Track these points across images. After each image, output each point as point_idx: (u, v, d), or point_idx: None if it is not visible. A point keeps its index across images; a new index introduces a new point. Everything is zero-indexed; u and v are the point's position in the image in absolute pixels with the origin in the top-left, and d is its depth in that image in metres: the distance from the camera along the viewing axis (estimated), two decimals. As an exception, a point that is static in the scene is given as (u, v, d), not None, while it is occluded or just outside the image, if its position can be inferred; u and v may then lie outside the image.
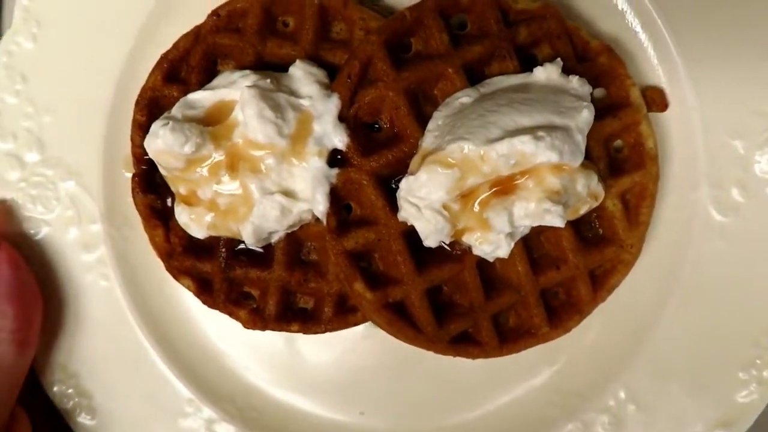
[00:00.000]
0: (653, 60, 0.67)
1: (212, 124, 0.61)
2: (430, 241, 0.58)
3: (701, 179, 0.67)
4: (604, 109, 0.63)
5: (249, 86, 0.59)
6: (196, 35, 0.66)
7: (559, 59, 0.61)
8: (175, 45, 0.67)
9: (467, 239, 0.58)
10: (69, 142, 0.70)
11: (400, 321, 0.61)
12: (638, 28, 0.67)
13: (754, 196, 0.66)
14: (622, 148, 0.66)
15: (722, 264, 0.67)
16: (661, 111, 0.67)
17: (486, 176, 0.55)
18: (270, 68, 0.66)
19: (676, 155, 0.68)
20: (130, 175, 0.70)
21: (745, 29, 0.66)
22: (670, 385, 0.67)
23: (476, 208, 0.56)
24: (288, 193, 0.61)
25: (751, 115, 0.66)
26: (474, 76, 0.62)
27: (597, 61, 0.64)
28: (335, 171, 0.60)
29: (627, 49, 0.67)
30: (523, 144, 0.53)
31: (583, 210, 0.60)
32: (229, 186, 0.61)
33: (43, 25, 0.69)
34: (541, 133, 0.53)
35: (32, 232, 0.71)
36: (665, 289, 0.68)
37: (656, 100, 0.66)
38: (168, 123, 0.58)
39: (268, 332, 0.69)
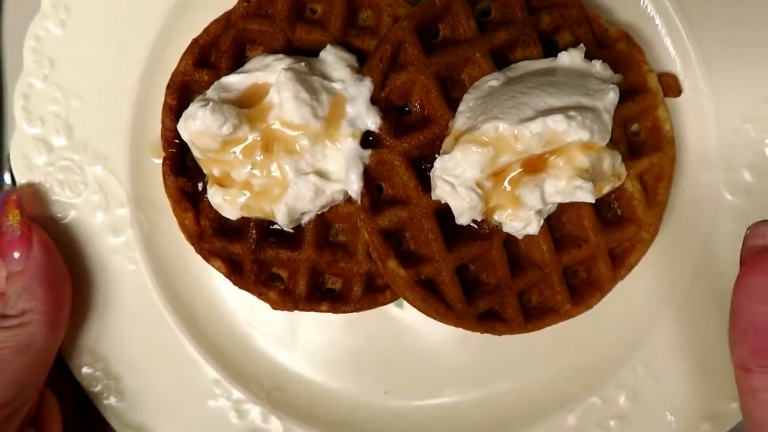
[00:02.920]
0: (668, 47, 0.70)
1: (246, 106, 0.63)
2: (463, 218, 0.60)
3: (714, 162, 0.70)
4: (622, 94, 0.65)
5: (285, 69, 0.60)
6: (226, 21, 0.68)
7: (582, 44, 0.63)
8: (206, 30, 0.68)
9: (498, 216, 0.60)
10: (96, 127, 0.71)
11: (432, 297, 0.63)
12: (654, 16, 0.70)
13: (765, 178, 0.69)
14: (639, 131, 0.69)
15: (734, 243, 0.69)
16: (675, 96, 0.70)
17: (518, 155, 0.57)
18: (297, 54, 0.67)
19: (689, 139, 0.70)
20: (156, 160, 0.71)
21: (755, 18, 0.69)
22: (685, 361, 0.70)
23: (507, 186, 0.59)
24: (322, 174, 0.62)
25: (761, 100, 0.69)
26: (499, 61, 0.64)
27: (615, 48, 0.67)
28: (368, 152, 0.62)
29: (643, 36, 0.70)
30: (556, 123, 0.55)
31: (606, 189, 0.63)
32: (263, 167, 0.62)
33: (72, 11, 0.70)
34: (572, 113, 0.55)
35: (60, 215, 0.71)
36: (680, 267, 0.70)
37: (671, 85, 0.69)
38: (207, 104, 0.59)
39: (294, 313, 0.70)
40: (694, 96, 0.70)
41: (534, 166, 0.58)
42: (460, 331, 0.67)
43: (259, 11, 0.67)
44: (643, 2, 0.70)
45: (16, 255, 0.66)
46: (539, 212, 0.59)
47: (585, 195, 0.57)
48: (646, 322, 0.71)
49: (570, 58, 0.62)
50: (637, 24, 0.70)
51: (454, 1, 0.63)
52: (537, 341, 0.70)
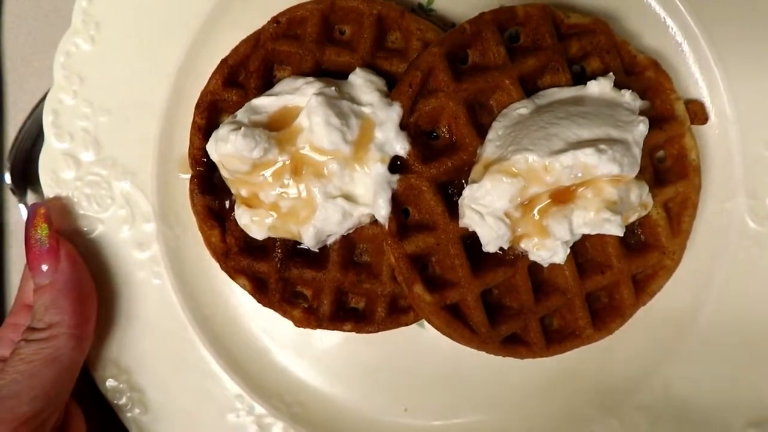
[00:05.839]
0: (695, 73, 0.70)
1: (275, 129, 0.63)
2: (490, 246, 0.60)
3: (737, 189, 0.70)
4: (649, 121, 0.66)
5: (316, 93, 0.61)
6: (256, 41, 0.68)
7: (611, 74, 0.63)
8: (236, 50, 0.68)
9: (524, 245, 0.61)
10: (124, 143, 0.72)
11: (458, 322, 0.63)
12: (682, 43, 0.70)
13: (789, 207, 0.70)
14: (664, 158, 0.69)
15: (756, 270, 0.70)
16: (701, 123, 0.70)
17: (548, 186, 0.57)
18: (325, 75, 0.68)
19: (714, 166, 0.71)
20: (183, 175, 0.72)
21: (783, 47, 0.69)
22: (705, 386, 0.70)
23: (536, 215, 0.59)
24: (349, 198, 0.63)
25: (786, 128, 0.69)
26: (527, 87, 0.65)
27: (644, 75, 0.67)
28: (396, 177, 0.62)
29: (670, 62, 0.70)
30: (587, 156, 0.56)
31: (632, 218, 0.63)
32: (292, 189, 0.63)
33: (102, 28, 0.71)
34: (603, 146, 0.56)
35: (87, 230, 0.72)
36: (702, 294, 0.71)
37: (698, 113, 0.69)
38: (239, 128, 0.60)
39: (315, 330, 0.71)
40: (719, 123, 0.70)
41: (562, 197, 0.58)
42: (480, 352, 0.67)
43: (288, 32, 0.68)
44: (672, 29, 0.70)
45: (44, 268, 0.67)
46: (566, 242, 0.60)
47: (613, 228, 0.58)
48: (666, 346, 0.71)
49: (599, 87, 0.62)
50: (664, 50, 0.70)
51: (485, 28, 0.63)
52: (557, 363, 0.70)
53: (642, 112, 0.64)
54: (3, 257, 0.81)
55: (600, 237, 0.66)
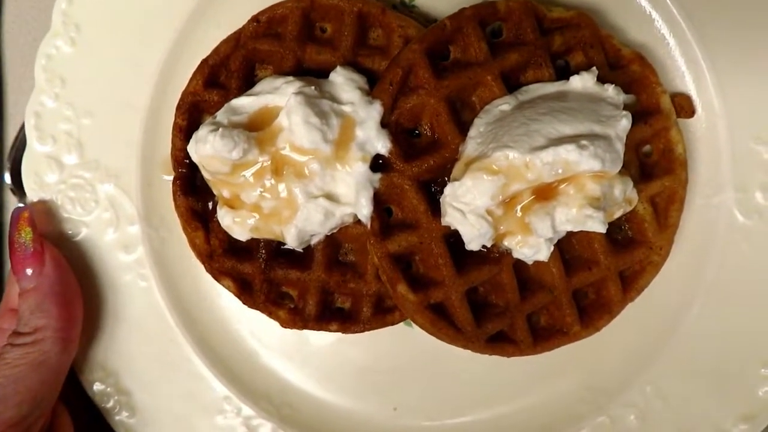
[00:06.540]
0: (681, 67, 0.69)
1: (255, 129, 0.63)
2: (473, 244, 0.60)
3: (726, 183, 0.69)
4: (635, 116, 0.65)
5: (295, 93, 0.60)
6: (236, 41, 0.67)
7: (594, 68, 0.63)
8: (216, 50, 0.68)
9: (508, 243, 0.60)
10: (107, 145, 0.72)
11: (442, 321, 0.63)
12: (667, 36, 0.69)
13: (778, 200, 0.69)
14: (651, 153, 0.68)
15: (746, 265, 0.69)
16: (688, 117, 0.69)
17: (529, 183, 0.57)
18: (307, 74, 0.67)
19: (701, 159, 0.70)
20: (167, 177, 0.71)
21: (770, 38, 0.68)
22: (695, 381, 0.70)
23: (518, 213, 0.58)
24: (331, 197, 0.62)
25: (775, 121, 0.68)
26: (510, 82, 0.64)
27: (629, 69, 0.66)
28: (378, 176, 0.62)
29: (656, 56, 0.69)
30: (568, 153, 0.55)
31: (617, 214, 0.62)
32: (273, 190, 0.62)
33: (82, 29, 0.70)
34: (584, 142, 0.55)
35: (71, 233, 0.72)
36: (691, 289, 0.70)
37: (684, 106, 0.68)
38: (217, 129, 0.59)
39: (302, 331, 0.70)
40: (707, 116, 0.69)
41: (545, 193, 0.58)
42: (469, 351, 0.67)
43: (268, 31, 0.67)
44: (657, 22, 0.69)
45: (29, 272, 0.67)
46: (549, 239, 0.59)
47: (596, 225, 0.57)
48: (655, 342, 0.71)
49: (582, 82, 0.61)
50: (650, 43, 0.69)
51: (465, 24, 0.62)
52: (546, 361, 0.70)
53: (627, 107, 0.64)
54: (2, 257, 0.81)
55: (586, 233, 0.66)
